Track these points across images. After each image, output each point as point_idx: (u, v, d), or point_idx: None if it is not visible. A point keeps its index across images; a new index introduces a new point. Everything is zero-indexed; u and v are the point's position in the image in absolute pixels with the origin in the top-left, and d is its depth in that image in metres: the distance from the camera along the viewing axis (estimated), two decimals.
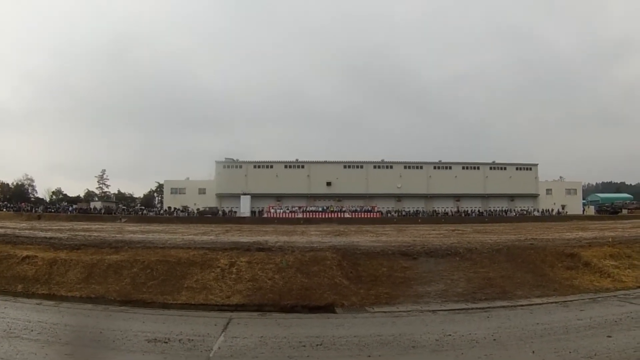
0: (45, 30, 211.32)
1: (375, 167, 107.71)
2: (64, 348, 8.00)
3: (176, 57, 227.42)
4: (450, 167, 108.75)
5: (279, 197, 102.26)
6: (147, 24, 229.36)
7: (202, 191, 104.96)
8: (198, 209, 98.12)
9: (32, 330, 8.96)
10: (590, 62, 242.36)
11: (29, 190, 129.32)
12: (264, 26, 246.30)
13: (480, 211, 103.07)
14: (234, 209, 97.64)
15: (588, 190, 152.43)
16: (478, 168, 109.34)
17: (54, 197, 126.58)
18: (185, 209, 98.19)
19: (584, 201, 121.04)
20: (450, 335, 8.92)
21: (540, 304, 11.93)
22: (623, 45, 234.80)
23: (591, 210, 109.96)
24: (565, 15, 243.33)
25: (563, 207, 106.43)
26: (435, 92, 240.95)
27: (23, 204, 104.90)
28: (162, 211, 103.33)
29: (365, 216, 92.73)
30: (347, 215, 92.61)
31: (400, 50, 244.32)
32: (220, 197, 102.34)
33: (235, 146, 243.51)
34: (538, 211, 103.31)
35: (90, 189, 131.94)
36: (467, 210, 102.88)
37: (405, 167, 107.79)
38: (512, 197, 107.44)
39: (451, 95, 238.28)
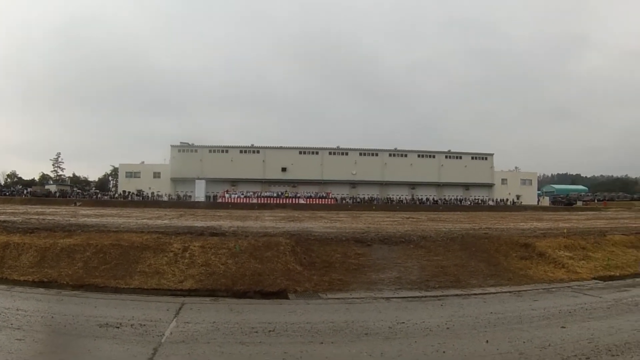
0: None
1: (330, 153, 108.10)
2: (15, 333, 7.76)
3: (131, 40, 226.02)
4: (405, 155, 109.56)
5: (234, 182, 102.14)
6: (101, 6, 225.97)
7: (157, 175, 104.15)
8: (31, 191, 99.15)
9: None
10: (545, 57, 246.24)
11: None
12: (219, 10, 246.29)
13: (435, 199, 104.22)
14: (188, 194, 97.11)
15: (544, 182, 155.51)
16: (433, 156, 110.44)
17: (8, 180, 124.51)
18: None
19: (539, 192, 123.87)
20: (403, 322, 8.83)
21: (494, 293, 12.00)
22: (578, 41, 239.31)
23: (546, 201, 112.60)
24: (522, 9, 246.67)
25: (518, 197, 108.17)
26: (392, 81, 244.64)
27: None
28: (116, 195, 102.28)
29: (320, 202, 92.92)
30: (301, 201, 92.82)
31: (356, 37, 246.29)
32: (175, 181, 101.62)
33: (191, 131, 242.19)
34: (493, 200, 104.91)
35: (45, 172, 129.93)
36: (422, 198, 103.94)
37: (360, 154, 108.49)
38: (467, 186, 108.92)
39: (408, 84, 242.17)
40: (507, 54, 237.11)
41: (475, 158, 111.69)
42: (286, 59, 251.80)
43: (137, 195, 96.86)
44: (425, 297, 11.52)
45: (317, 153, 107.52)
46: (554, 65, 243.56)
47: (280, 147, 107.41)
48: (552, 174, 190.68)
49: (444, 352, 7.26)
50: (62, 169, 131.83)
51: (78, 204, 71.67)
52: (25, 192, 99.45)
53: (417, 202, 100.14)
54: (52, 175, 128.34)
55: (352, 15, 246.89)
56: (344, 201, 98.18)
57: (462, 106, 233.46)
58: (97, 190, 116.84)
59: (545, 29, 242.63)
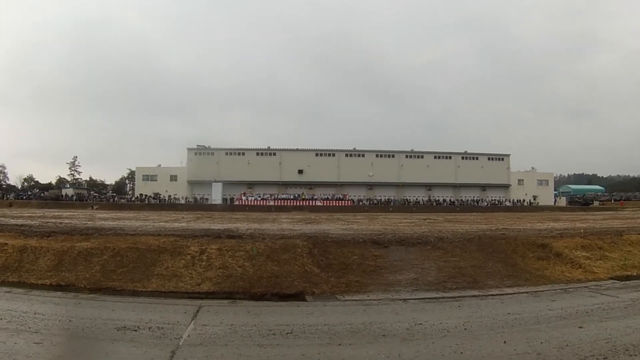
0: (9, 14, 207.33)
1: (347, 155, 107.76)
2: (33, 336, 7.81)
3: (145, 42, 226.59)
4: (422, 156, 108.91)
5: (250, 185, 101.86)
6: (113, 8, 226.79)
7: (173, 178, 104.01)
8: (43, 195, 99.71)
9: (1, 319, 8.77)
10: (559, 57, 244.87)
11: (1, 177, 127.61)
12: (232, 12, 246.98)
13: (452, 200, 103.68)
14: (205, 196, 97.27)
15: (560, 182, 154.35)
16: (450, 157, 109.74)
17: (25, 184, 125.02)
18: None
19: (556, 192, 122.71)
20: (421, 324, 8.83)
21: (511, 293, 11.94)
22: (591, 40, 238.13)
23: (563, 202, 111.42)
24: (534, 9, 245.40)
25: (534, 197, 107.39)
26: (406, 81, 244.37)
27: None
28: (133, 198, 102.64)
29: (337, 204, 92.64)
30: (318, 203, 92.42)
31: (367, 39, 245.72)
32: (192, 184, 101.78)
33: (205, 133, 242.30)
34: (509, 201, 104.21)
35: (62, 176, 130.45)
36: (439, 200, 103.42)
37: (377, 156, 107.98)
38: (483, 187, 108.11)
39: (420, 85, 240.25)
40: (519, 53, 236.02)
41: (492, 159, 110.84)
42: (299, 60, 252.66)
43: (154, 198, 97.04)
44: (443, 298, 11.50)
45: (333, 155, 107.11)
46: (567, 65, 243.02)
47: (297, 149, 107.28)
48: (568, 174, 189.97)
49: (461, 353, 7.27)
50: (79, 173, 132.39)
51: (95, 207, 71.90)
52: (42, 195, 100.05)
53: (434, 204, 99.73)
54: (69, 178, 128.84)
55: (363, 16, 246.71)
56: (360, 203, 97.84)
57: (475, 106, 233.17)
58: (114, 194, 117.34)
59: (557, 28, 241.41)
